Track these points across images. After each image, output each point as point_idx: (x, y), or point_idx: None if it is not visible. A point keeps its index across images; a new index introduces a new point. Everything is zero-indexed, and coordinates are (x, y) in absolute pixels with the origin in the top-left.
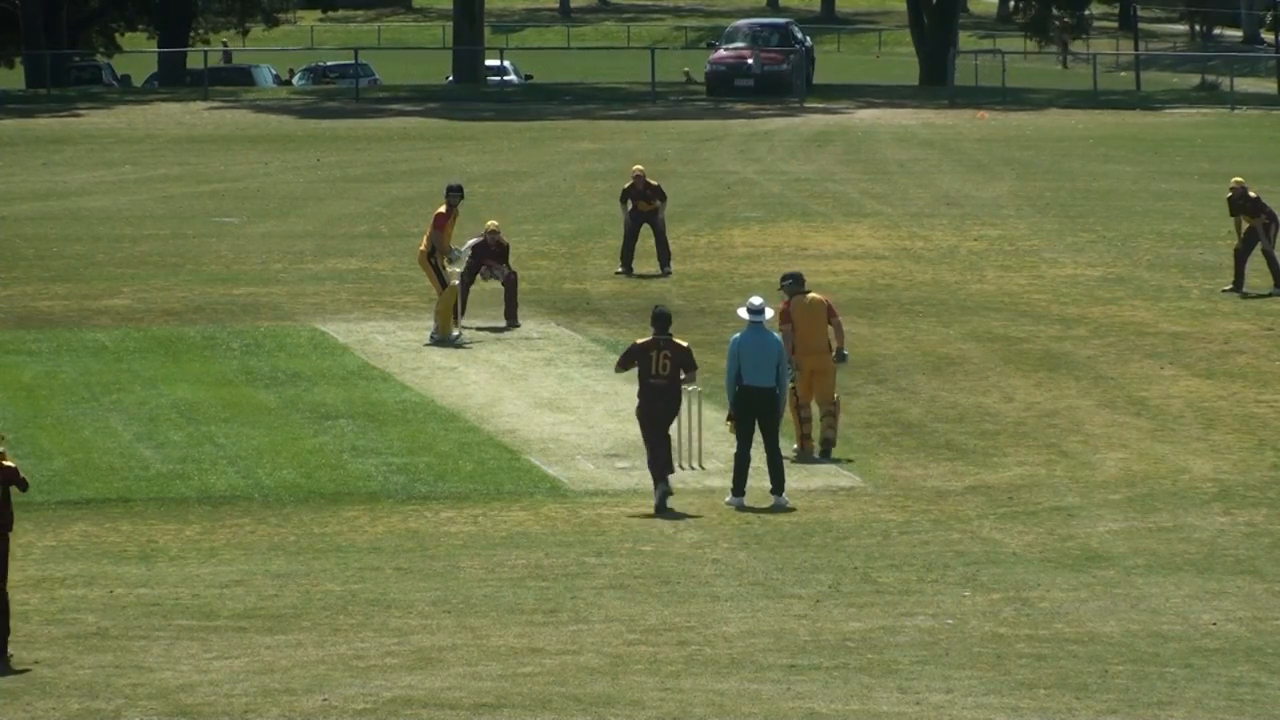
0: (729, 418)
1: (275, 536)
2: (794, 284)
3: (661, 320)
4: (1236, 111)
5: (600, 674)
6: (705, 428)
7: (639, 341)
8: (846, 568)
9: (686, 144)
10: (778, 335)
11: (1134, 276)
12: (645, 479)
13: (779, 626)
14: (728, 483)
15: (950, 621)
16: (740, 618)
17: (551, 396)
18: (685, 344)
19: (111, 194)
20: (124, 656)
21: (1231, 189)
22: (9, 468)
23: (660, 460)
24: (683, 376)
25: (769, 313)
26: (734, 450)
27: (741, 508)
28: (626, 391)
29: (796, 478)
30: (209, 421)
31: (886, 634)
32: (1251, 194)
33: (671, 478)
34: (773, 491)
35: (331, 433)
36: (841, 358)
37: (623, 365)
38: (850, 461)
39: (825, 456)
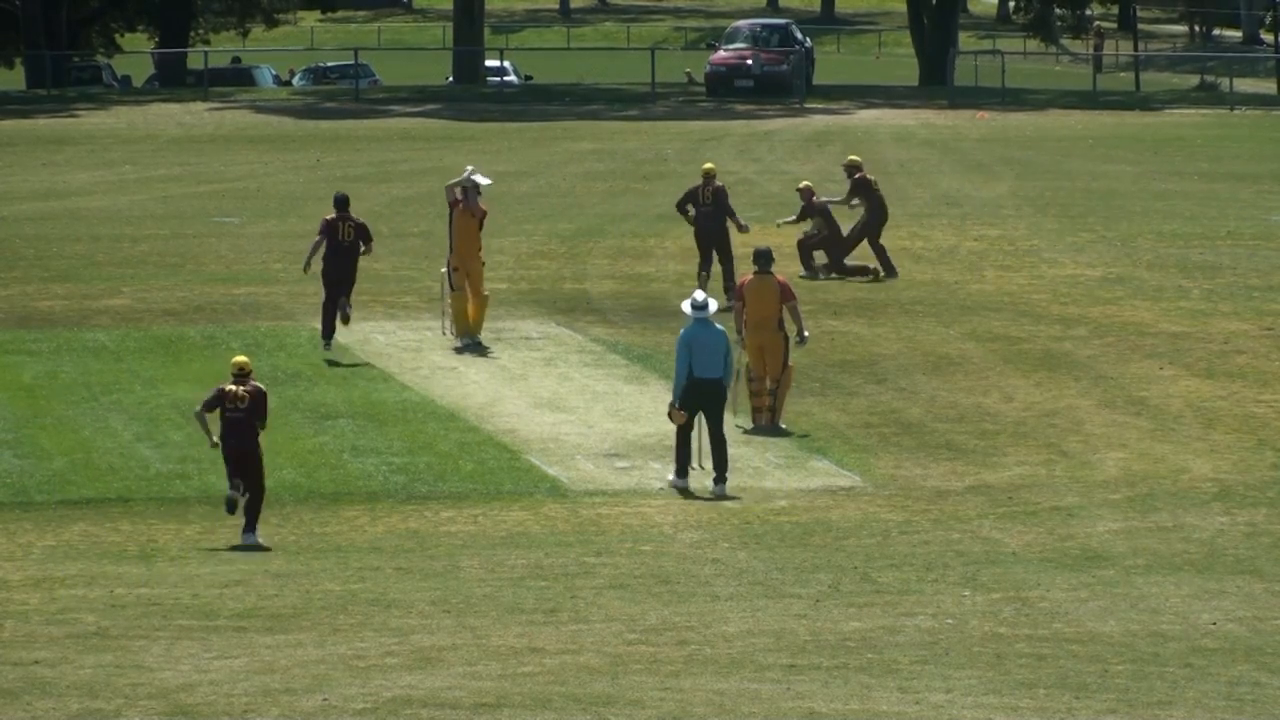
0: (672, 406)
1: (275, 536)
2: (762, 261)
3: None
4: (1236, 111)
5: (600, 674)
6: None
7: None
8: (846, 568)
9: (687, 144)
10: (722, 329)
11: (1134, 276)
12: (645, 478)
13: (779, 626)
14: (728, 483)
15: (950, 621)
16: (740, 618)
17: (551, 396)
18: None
19: (111, 194)
20: (124, 656)
21: (849, 165)
22: (260, 390)
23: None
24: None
25: (713, 305)
26: (718, 439)
27: (685, 490)
28: (627, 391)
29: (797, 477)
30: (209, 421)
31: (886, 634)
32: (865, 177)
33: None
34: (715, 481)
35: (331, 433)
36: (800, 339)
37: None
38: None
39: (774, 425)
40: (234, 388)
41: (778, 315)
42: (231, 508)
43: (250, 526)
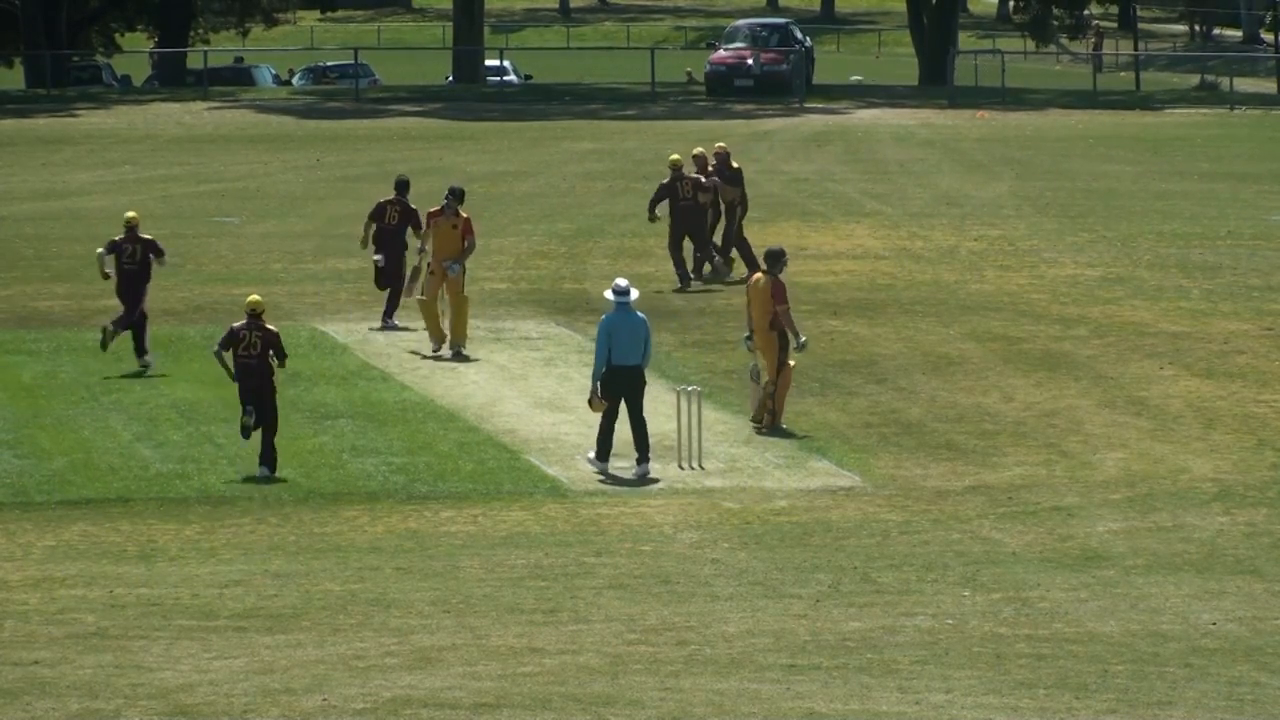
0: (592, 394)
1: (275, 536)
2: (770, 262)
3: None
4: (1236, 111)
5: (600, 674)
6: (705, 428)
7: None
8: (846, 568)
9: (686, 144)
10: (643, 315)
11: (1134, 276)
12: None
13: (779, 626)
14: (728, 483)
15: (950, 621)
16: (740, 618)
17: (551, 396)
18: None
19: (111, 194)
20: (124, 656)
21: (723, 153)
22: (272, 332)
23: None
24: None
25: (634, 293)
26: (600, 423)
27: (604, 472)
28: None
29: (797, 477)
30: (209, 421)
31: (886, 634)
32: (735, 164)
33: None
34: (638, 461)
35: (331, 433)
36: (798, 345)
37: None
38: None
39: (774, 426)
40: (246, 331)
41: (769, 316)
42: (246, 433)
43: (266, 459)
